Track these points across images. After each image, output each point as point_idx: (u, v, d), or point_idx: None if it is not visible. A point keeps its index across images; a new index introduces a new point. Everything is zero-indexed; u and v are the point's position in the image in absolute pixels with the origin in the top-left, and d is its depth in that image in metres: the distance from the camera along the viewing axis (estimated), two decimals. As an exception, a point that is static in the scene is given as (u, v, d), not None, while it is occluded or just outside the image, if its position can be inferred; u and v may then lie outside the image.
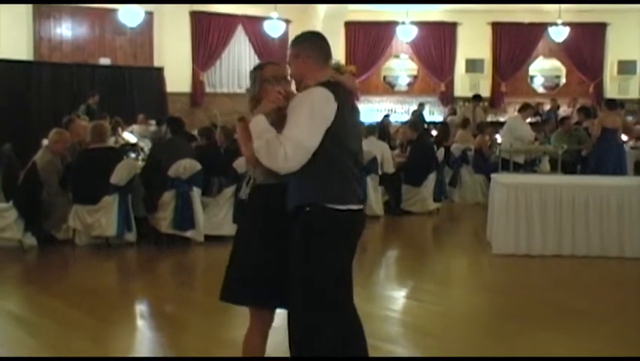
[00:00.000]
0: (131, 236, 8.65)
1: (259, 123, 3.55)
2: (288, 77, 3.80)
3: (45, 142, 9.24)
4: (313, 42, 3.78)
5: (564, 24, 18.54)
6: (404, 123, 14.48)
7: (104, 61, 17.01)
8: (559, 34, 18.75)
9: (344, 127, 3.58)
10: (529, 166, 12.45)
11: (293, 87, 3.79)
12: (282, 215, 3.63)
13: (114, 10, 16.34)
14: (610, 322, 5.88)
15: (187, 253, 8.55)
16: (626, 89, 20.06)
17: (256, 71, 3.85)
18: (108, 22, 17.10)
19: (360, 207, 3.69)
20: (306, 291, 3.53)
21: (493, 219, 8.77)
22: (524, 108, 12.34)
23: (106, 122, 10.50)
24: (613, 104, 12.15)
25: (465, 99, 18.88)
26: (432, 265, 8.55)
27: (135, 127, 14.01)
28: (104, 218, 8.42)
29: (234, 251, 3.81)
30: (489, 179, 10.28)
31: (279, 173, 3.51)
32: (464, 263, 8.62)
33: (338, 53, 18.57)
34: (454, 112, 18.24)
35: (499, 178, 9.07)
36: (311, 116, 3.46)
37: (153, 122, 14.08)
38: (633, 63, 19.93)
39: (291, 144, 3.41)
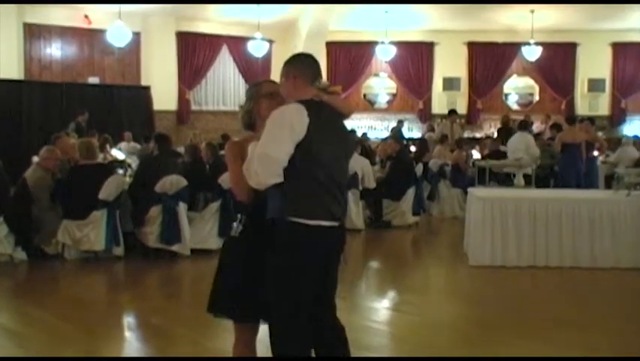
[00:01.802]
0: (119, 250, 8.75)
1: (252, 149, 3.58)
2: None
3: (35, 159, 9.36)
4: (302, 62, 3.80)
5: (537, 44, 18.96)
6: (383, 140, 14.71)
7: (93, 80, 17.15)
8: (532, 53, 19.17)
9: (318, 143, 3.54)
10: (505, 180, 12.72)
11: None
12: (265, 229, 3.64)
13: (103, 31, 16.51)
14: (585, 330, 5.99)
15: (174, 266, 8.63)
16: (596, 105, 20.47)
17: (254, 88, 3.90)
18: (97, 43, 17.28)
19: (333, 223, 3.62)
20: (273, 302, 3.60)
21: (469, 231, 8.94)
22: (527, 125, 12.47)
23: (94, 140, 10.64)
24: (572, 120, 12.48)
25: (442, 116, 19.04)
26: (411, 276, 8.66)
27: (123, 144, 14.15)
28: (92, 233, 8.54)
29: (221, 265, 3.82)
30: (466, 193, 10.50)
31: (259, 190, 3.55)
32: (442, 274, 8.76)
33: (319, 72, 18.81)
34: (432, 129, 18.47)
35: (475, 192, 9.26)
36: (278, 129, 3.47)
37: (137, 145, 14.25)
38: (602, 81, 20.35)
39: (258, 159, 3.45)
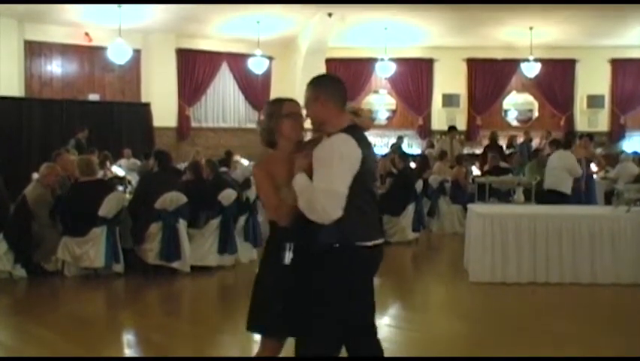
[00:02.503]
0: (118, 267, 8.75)
1: (299, 181, 3.61)
2: (303, 115, 3.87)
3: (35, 176, 9.37)
4: (332, 86, 3.81)
5: (536, 60, 19.03)
6: (383, 156, 14.70)
7: (93, 97, 17.26)
8: (531, 70, 19.24)
9: (368, 170, 3.67)
10: (505, 197, 12.72)
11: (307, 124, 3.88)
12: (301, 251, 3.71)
13: (103, 48, 16.64)
14: (586, 346, 5.98)
15: (173, 283, 8.61)
16: (595, 122, 20.53)
17: (274, 106, 3.89)
18: (97, 60, 17.41)
19: (383, 239, 3.84)
20: (324, 325, 3.65)
21: (469, 248, 8.95)
22: (569, 143, 12.35)
23: (94, 156, 10.65)
24: (568, 144, 12.46)
25: (442, 132, 19.07)
26: (411, 292, 8.65)
27: (123, 161, 14.17)
28: (92, 250, 8.54)
29: (266, 288, 3.86)
30: (466, 209, 10.51)
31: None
32: (442, 291, 8.75)
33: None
34: (431, 145, 18.49)
35: (475, 208, 9.26)
36: (340, 164, 3.51)
37: (137, 161, 14.27)
38: (601, 97, 20.43)
39: (325, 196, 3.49)
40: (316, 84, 3.80)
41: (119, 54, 16.32)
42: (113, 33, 16.13)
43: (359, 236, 3.64)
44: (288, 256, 3.73)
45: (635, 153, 16.30)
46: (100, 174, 10.36)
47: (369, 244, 3.67)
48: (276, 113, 3.82)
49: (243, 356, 3.84)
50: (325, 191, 3.49)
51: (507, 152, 17.63)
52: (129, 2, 14.80)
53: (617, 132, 20.47)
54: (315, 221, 3.55)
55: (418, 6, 15.89)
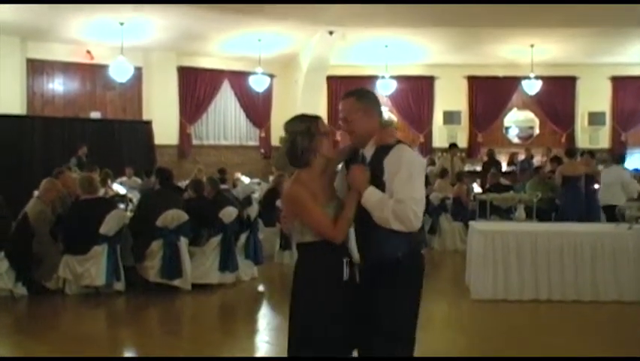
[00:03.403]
0: (119, 285, 8.74)
1: (373, 196, 3.59)
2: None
3: (36, 193, 9.39)
4: (376, 101, 3.87)
5: (537, 78, 19.14)
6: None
7: (95, 115, 17.31)
8: (532, 87, 19.34)
9: None
10: (506, 214, 12.72)
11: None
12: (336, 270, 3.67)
13: (105, 66, 16.77)
14: None
15: (174, 301, 8.59)
16: (597, 139, 20.62)
17: (310, 123, 3.73)
18: (99, 78, 17.53)
19: None
20: (396, 333, 3.65)
21: (471, 265, 8.92)
22: (622, 158, 12.22)
23: (95, 174, 10.66)
24: (572, 153, 12.49)
25: (443, 150, 19.12)
26: (413, 310, 8.64)
27: (124, 179, 14.20)
28: (93, 268, 8.53)
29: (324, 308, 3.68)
30: (467, 226, 10.49)
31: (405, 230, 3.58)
32: (444, 308, 8.67)
33: (320, 107, 18.95)
34: (432, 162, 18.41)
35: (476, 226, 9.25)
36: (418, 174, 3.62)
37: (139, 180, 14.29)
38: (602, 114, 20.53)
39: (415, 203, 3.54)
40: (364, 97, 3.82)
41: (120, 72, 16.44)
42: (115, 51, 16.24)
43: (420, 244, 3.77)
44: (347, 272, 3.67)
45: (636, 170, 16.28)
46: (101, 192, 10.37)
47: (423, 252, 3.82)
48: (314, 132, 3.68)
49: (247, 356, 3.77)
50: (415, 199, 3.54)
51: (508, 169, 17.67)
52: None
53: (618, 149, 20.43)
54: (399, 230, 3.57)
55: (419, 23, 15.99)
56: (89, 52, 17.27)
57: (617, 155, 12.46)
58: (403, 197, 3.52)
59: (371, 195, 3.58)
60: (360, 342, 3.68)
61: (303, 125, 3.70)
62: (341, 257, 3.67)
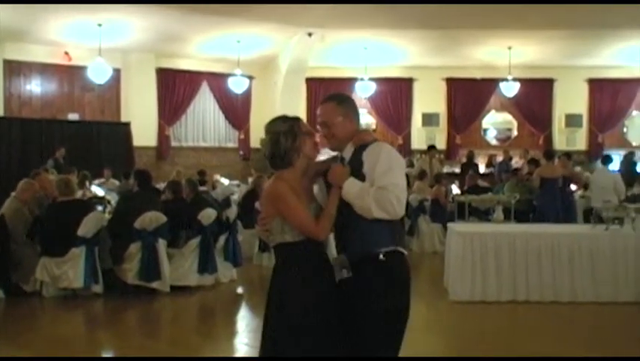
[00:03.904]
0: (97, 287, 8.68)
1: (354, 186, 3.55)
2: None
3: (13, 194, 9.31)
4: (354, 105, 3.88)
5: (514, 80, 19.22)
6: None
7: (73, 116, 17.21)
8: (509, 89, 19.42)
9: None
10: (484, 215, 12.79)
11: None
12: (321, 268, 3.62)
13: (83, 68, 16.67)
14: None
15: (153, 303, 8.56)
16: (574, 140, 20.75)
17: (292, 123, 3.71)
18: (77, 79, 17.41)
19: None
20: (383, 331, 3.57)
21: (449, 267, 8.95)
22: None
23: (73, 176, 10.59)
24: (550, 155, 12.58)
25: (422, 152, 19.19)
26: (392, 311, 8.63)
27: (103, 180, 14.12)
28: (71, 270, 8.47)
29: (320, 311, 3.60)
30: (446, 228, 10.51)
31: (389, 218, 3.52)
32: (422, 310, 8.60)
33: (299, 109, 18.91)
34: (411, 164, 18.47)
35: (455, 227, 9.29)
36: (398, 165, 3.60)
37: (117, 181, 14.23)
38: (579, 116, 20.66)
39: (397, 189, 3.49)
40: (343, 101, 3.83)
41: (98, 73, 16.36)
42: (93, 52, 16.15)
43: (402, 243, 3.68)
44: (340, 273, 3.62)
45: (619, 170, 16.43)
46: (79, 193, 10.31)
47: (405, 251, 3.69)
48: (297, 132, 3.67)
49: (246, 357, 3.73)
50: (396, 185, 3.51)
51: (486, 171, 17.78)
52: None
53: (595, 151, 20.63)
54: (381, 221, 3.51)
55: (398, 25, 16.03)
56: (66, 53, 17.14)
57: (603, 157, 12.55)
58: (383, 184, 3.49)
59: (351, 186, 3.55)
60: (344, 343, 3.60)
61: (285, 125, 3.68)
62: (327, 257, 3.64)
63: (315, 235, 3.56)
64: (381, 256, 3.54)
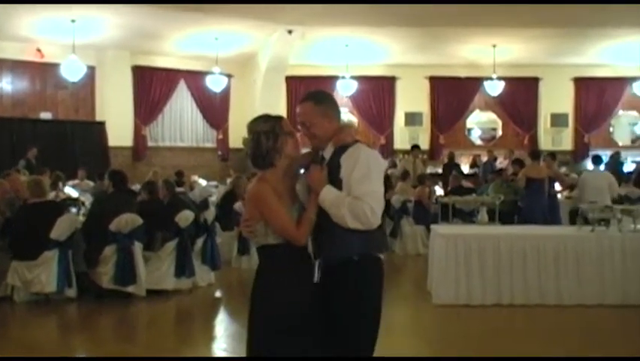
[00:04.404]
0: (71, 292, 8.53)
1: (329, 194, 3.55)
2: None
3: (-16, 196, 9.10)
4: (334, 102, 3.84)
5: (499, 78, 19.21)
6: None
7: (45, 115, 17.03)
8: (494, 88, 19.40)
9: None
10: (468, 217, 12.68)
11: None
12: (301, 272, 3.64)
13: (56, 65, 16.43)
14: None
15: (128, 307, 8.44)
16: (559, 140, 20.77)
17: (274, 123, 3.70)
18: (50, 77, 17.17)
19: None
20: (358, 334, 3.59)
21: (433, 269, 8.84)
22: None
23: (45, 177, 10.41)
24: (536, 155, 12.49)
25: (405, 152, 19.10)
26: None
27: (77, 182, 13.94)
28: (43, 274, 8.31)
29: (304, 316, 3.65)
30: (429, 230, 10.38)
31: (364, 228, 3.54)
32: (405, 313, 8.58)
33: (279, 107, 18.76)
34: (394, 164, 18.43)
35: (438, 229, 9.19)
36: (375, 172, 3.59)
37: (91, 182, 14.03)
38: (565, 116, 20.67)
39: (371, 198, 3.50)
40: (322, 100, 3.80)
41: (72, 71, 16.16)
42: (67, 49, 15.93)
43: (378, 248, 3.70)
44: (318, 275, 3.64)
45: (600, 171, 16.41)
46: (52, 195, 10.18)
47: (382, 256, 3.72)
48: (279, 133, 3.65)
49: (244, 357, 3.67)
50: (371, 194, 3.52)
51: (470, 171, 17.72)
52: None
53: (581, 151, 20.67)
54: (357, 229, 3.52)
55: (380, 23, 15.92)
56: (39, 50, 16.87)
57: (593, 157, 12.49)
58: (359, 194, 3.51)
59: (327, 194, 3.56)
60: (326, 344, 3.62)
61: (267, 125, 3.68)
62: (309, 259, 3.66)
63: (295, 239, 3.59)
64: (354, 257, 3.57)
